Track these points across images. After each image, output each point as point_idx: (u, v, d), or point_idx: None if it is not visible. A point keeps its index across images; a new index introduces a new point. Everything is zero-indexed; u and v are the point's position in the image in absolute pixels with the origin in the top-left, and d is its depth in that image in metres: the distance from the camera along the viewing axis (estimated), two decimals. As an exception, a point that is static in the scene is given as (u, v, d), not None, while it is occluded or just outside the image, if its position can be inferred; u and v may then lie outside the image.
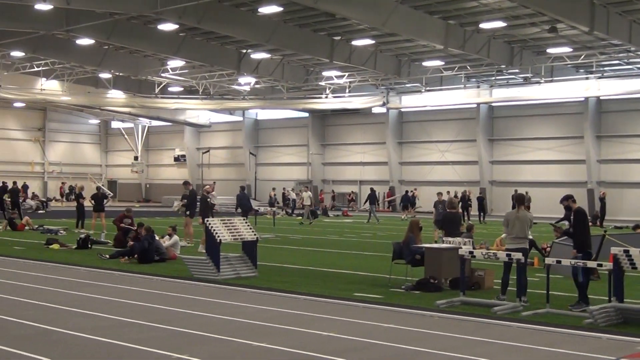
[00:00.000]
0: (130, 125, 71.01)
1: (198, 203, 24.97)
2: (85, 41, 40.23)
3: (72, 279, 15.70)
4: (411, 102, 54.15)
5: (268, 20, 36.37)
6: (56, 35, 40.00)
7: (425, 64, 44.50)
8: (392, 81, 49.87)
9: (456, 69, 44.81)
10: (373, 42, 39.91)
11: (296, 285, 14.94)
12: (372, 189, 44.58)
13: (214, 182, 49.81)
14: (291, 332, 10.47)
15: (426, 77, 46.66)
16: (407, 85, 51.49)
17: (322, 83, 50.35)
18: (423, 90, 49.69)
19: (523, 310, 12.17)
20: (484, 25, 35.19)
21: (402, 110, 56.23)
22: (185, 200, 24.66)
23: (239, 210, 30.41)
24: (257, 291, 14.23)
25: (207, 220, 16.47)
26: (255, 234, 16.93)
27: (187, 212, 24.57)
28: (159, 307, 12.31)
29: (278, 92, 53.94)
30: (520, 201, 14.00)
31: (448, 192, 38.17)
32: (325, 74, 48.48)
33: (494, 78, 48.36)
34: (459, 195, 39.67)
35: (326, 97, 51.73)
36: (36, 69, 49.08)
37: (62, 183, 66.76)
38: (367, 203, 42.24)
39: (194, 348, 9.23)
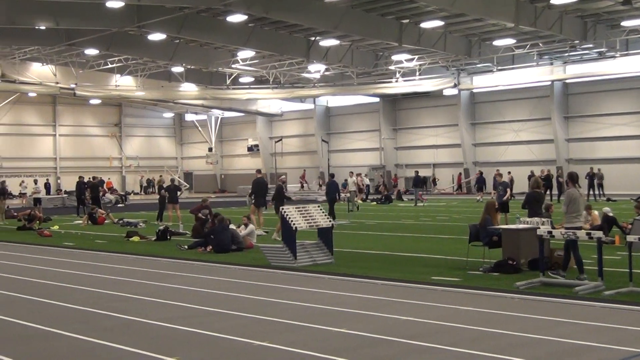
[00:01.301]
0: (203, 117, 71.85)
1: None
2: (156, 36, 40.79)
3: (153, 270, 15.99)
4: (483, 82, 53.42)
5: (335, 6, 36.28)
6: (128, 32, 40.64)
7: (496, 43, 43.80)
8: (463, 62, 49.26)
9: (528, 46, 44.02)
10: (442, 23, 39.45)
11: (373, 270, 14.93)
12: (416, 172, 44.72)
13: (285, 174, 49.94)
14: (369, 317, 10.48)
15: (497, 56, 45.96)
16: (478, 65, 50.77)
17: (392, 67, 50.07)
18: (495, 70, 48.96)
19: (605, 290, 11.92)
20: (555, 1, 34.44)
21: (474, 91, 55.55)
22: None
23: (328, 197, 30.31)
24: (334, 277, 14.27)
25: (282, 209, 16.56)
26: (330, 221, 16.98)
27: (253, 201, 24.78)
28: (238, 295, 12.45)
29: (348, 78, 53.84)
30: (575, 179, 13.82)
31: (509, 173, 37.62)
32: (395, 57, 48.16)
33: (567, 54, 47.30)
34: (534, 175, 38.98)
35: (396, 81, 51.47)
36: (110, 65, 50.03)
37: (141, 176, 68.11)
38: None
39: (274, 335, 9.31)
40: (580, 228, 13.26)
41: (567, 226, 13.36)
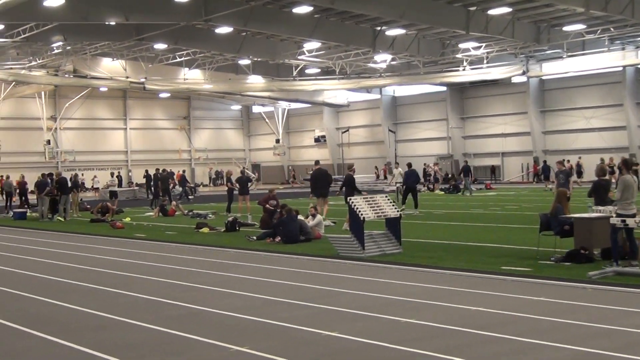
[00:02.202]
0: (270, 109, 72.25)
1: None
2: (223, 29, 41.16)
3: (222, 261, 16.15)
4: (552, 69, 52.51)
5: (401, -5, 36.11)
6: (196, 25, 41.11)
7: (565, 28, 43.01)
8: (532, 49, 48.47)
9: (599, 31, 43.09)
10: (510, 10, 38.90)
11: (442, 260, 14.82)
12: (465, 162, 44.41)
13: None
14: (439, 307, 10.40)
15: (567, 42, 45.10)
16: (548, 52, 49.93)
17: (459, 55, 49.58)
18: (564, 56, 48.09)
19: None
20: (627, -16, 33.66)
21: (543, 78, 54.68)
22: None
23: (404, 186, 30.19)
24: (402, 267, 14.21)
25: (350, 199, 16.54)
26: (398, 211, 16.91)
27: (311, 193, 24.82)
28: (307, 285, 12.49)
29: (414, 68, 53.52)
30: (630, 166, 13.54)
31: (568, 161, 36.78)
32: (462, 45, 47.69)
33: (639, 39, 46.19)
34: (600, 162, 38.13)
35: (464, 70, 50.97)
36: (178, 59, 50.72)
37: (210, 168, 68.91)
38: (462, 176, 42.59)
39: (343, 325, 9.31)
40: (634, 215, 12.94)
41: (621, 212, 13.08)
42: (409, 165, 31.76)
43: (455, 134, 60.50)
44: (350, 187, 23.04)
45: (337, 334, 8.83)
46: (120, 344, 8.77)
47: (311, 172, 25.59)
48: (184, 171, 55.22)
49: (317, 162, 27.17)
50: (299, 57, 49.94)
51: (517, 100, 56.47)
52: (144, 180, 49.60)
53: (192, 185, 56.67)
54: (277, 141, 70.41)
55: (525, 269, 13.34)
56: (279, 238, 19.06)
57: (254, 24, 39.10)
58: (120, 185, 57.91)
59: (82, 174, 61.45)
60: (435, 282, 12.45)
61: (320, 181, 25.15)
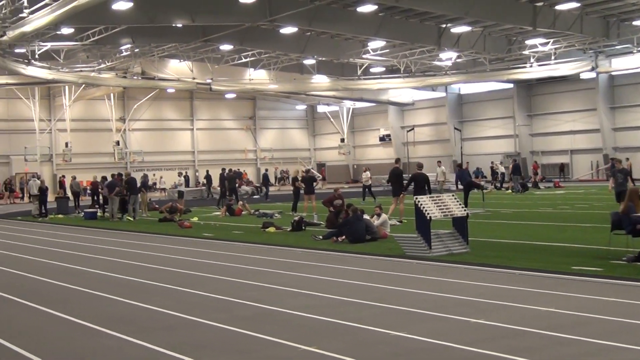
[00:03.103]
0: (335, 108, 72.36)
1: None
2: (288, 30, 41.37)
3: (289, 260, 16.23)
4: (622, 64, 51.35)
5: (467, -8, 35.82)
6: (261, 26, 41.41)
7: (635, 23, 42.10)
8: (601, 44, 47.55)
9: (671, 25, 42.10)
10: (578, 5, 38.25)
11: (510, 260, 14.64)
12: (515, 160, 43.99)
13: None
14: (508, 308, 10.28)
15: (637, 37, 44.13)
16: (617, 47, 48.90)
17: (526, 52, 48.94)
18: (635, 51, 47.00)
19: None
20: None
21: (613, 73, 53.57)
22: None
23: (459, 186, 30.11)
24: (470, 267, 14.09)
25: (417, 198, 16.46)
26: (464, 210, 16.76)
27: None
28: (373, 285, 12.46)
29: (480, 65, 52.99)
30: None
31: (627, 159, 36.02)
32: (529, 42, 47.07)
33: None
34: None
35: (531, 66, 50.24)
36: (244, 60, 51.15)
37: (275, 168, 69.35)
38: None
39: (411, 325, 9.27)
40: None
41: None
42: (459, 165, 31.55)
43: (522, 131, 59.74)
44: (419, 186, 22.92)
45: (406, 334, 8.80)
46: (192, 343, 8.89)
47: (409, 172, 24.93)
48: (266, 170, 55.35)
49: (397, 161, 26.86)
50: (364, 56, 49.93)
51: (586, 97, 55.51)
52: (208, 181, 50.22)
53: (257, 185, 57.13)
54: (342, 140, 70.47)
55: (597, 269, 13.09)
56: (345, 237, 19.06)
57: (318, 23, 39.23)
58: (187, 185, 58.70)
59: (155, 174, 62.74)
60: (504, 282, 12.31)
61: (397, 179, 24.90)
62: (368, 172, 36.22)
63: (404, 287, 12.17)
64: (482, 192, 30.69)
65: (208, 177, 50.57)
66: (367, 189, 36.78)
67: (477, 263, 14.43)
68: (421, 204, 15.96)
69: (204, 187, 52.94)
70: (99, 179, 36.66)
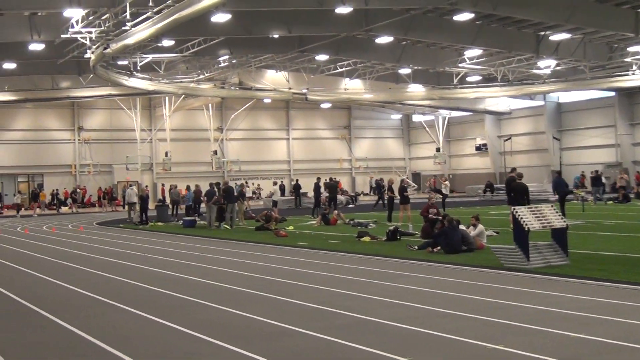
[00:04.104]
0: (430, 117, 71.95)
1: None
2: (384, 39, 41.37)
3: (384, 270, 16.17)
4: None
5: (567, -1, 35.13)
6: (356, 36, 41.52)
7: None
8: None
9: None
10: (684, 10, 37.06)
11: (613, 274, 14.21)
12: (596, 172, 42.60)
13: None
14: (610, 322, 9.98)
15: None
16: None
17: (628, 59, 47.60)
18: None
19: None
20: None
21: None
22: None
23: (556, 195, 29.49)
24: (570, 280, 13.75)
25: (515, 209, 16.19)
26: (564, 221, 16.40)
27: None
28: (470, 297, 12.32)
29: (580, 73, 51.79)
30: None
31: None
32: (631, 49, 45.77)
33: None
34: None
35: (633, 74, 48.80)
36: (339, 70, 51.36)
37: (370, 177, 69.35)
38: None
39: (508, 338, 9.12)
40: None
41: None
42: (558, 173, 30.83)
43: (624, 140, 58.09)
44: (519, 196, 22.50)
45: (503, 347, 8.66)
46: (290, 351, 8.95)
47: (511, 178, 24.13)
48: (381, 179, 55.05)
49: (512, 170, 26.00)
50: (460, 65, 49.51)
51: (692, 105, 53.67)
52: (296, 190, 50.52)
53: (352, 194, 57.26)
54: (438, 150, 69.96)
55: None
56: (440, 248, 18.91)
57: (414, 32, 39.11)
58: (282, 194, 59.26)
59: (254, 183, 63.73)
60: (606, 295, 11.97)
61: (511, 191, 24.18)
62: (447, 182, 35.64)
63: (500, 299, 11.98)
64: (582, 202, 30.00)
65: (296, 186, 50.84)
66: (443, 199, 36.20)
67: (578, 276, 14.08)
68: (519, 215, 15.70)
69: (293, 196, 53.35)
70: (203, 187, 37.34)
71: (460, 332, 9.54)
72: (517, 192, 22.95)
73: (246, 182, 62.88)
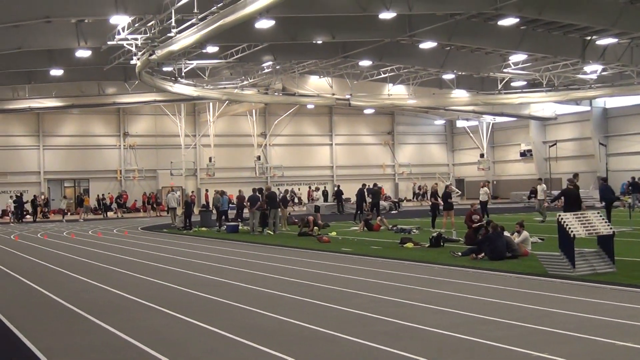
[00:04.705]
0: (474, 123, 71.49)
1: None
2: (427, 44, 41.23)
3: (427, 277, 16.10)
4: None
5: (613, 3, 34.61)
6: (400, 41, 41.42)
7: None
8: None
9: None
10: None
11: (662, 282, 14.01)
12: (632, 178, 42.21)
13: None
14: (658, 331, 9.84)
15: None
16: None
17: (677, 64, 46.85)
18: None
19: None
20: None
21: None
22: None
23: (603, 202, 29.08)
24: (616, 287, 13.56)
25: (560, 215, 16.02)
26: (610, 228, 16.17)
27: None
28: (514, 304, 12.20)
29: (627, 78, 51.06)
30: None
31: None
32: (680, 54, 45.06)
33: None
34: None
35: (682, 79, 48.04)
36: (383, 75, 51.28)
37: (413, 183, 69.13)
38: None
39: (553, 346, 9.02)
40: None
41: None
42: (604, 179, 30.37)
43: (674, 146, 57.20)
44: (570, 202, 22.19)
45: (548, 355, 8.57)
46: (330, 357, 8.96)
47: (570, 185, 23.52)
48: (447, 186, 54.39)
49: (575, 175, 25.27)
50: (504, 70, 49.12)
51: None
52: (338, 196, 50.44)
53: (395, 200, 57.09)
54: (482, 156, 69.44)
55: None
56: (484, 254, 18.76)
57: (458, 38, 38.92)
58: (325, 200, 59.31)
59: (299, 189, 63.96)
60: (653, 304, 11.79)
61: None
62: (486, 188, 35.18)
63: (545, 306, 11.85)
64: (629, 209, 29.55)
65: (338, 192, 50.78)
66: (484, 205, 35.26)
67: (625, 283, 13.88)
68: (565, 222, 15.53)
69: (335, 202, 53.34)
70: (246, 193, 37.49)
71: (504, 339, 9.46)
72: (569, 198, 22.64)
73: (292, 190, 63.40)
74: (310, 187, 64.00)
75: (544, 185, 34.97)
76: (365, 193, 37.94)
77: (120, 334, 10.60)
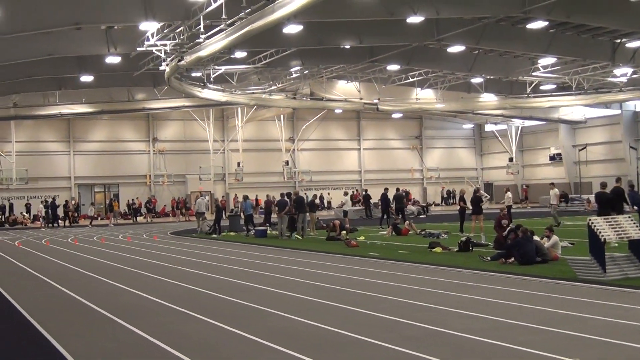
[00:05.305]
0: (503, 127, 71.16)
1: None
2: (455, 48, 41.08)
3: (456, 281, 16.04)
4: None
5: (643, 5, 34.32)
6: (428, 45, 41.32)
7: None
8: None
9: None
10: None
11: (693, 287, 13.85)
12: None
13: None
14: (690, 336, 9.73)
15: None
16: None
17: None
18: None
19: None
20: None
21: None
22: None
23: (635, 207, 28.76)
24: (648, 292, 13.46)
25: (590, 219, 15.88)
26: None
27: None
28: (544, 309, 12.12)
29: (658, 81, 50.61)
30: None
31: None
32: None
33: None
34: None
35: None
36: (411, 79, 51.16)
37: (442, 187, 68.94)
38: None
39: (583, 352, 8.96)
40: None
41: None
42: (631, 187, 30.01)
43: None
44: (603, 206, 21.95)
45: (578, 360, 8.52)
46: (357, 361, 8.97)
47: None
48: (476, 190, 54.13)
49: (618, 180, 24.86)
50: (533, 74, 48.84)
51: None
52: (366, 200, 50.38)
53: (424, 204, 56.93)
54: (511, 160, 69.11)
55: None
56: (513, 259, 18.66)
57: (486, 41, 38.74)
58: (353, 204, 59.20)
59: (330, 194, 64.09)
60: (685, 309, 11.66)
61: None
62: (509, 193, 34.86)
63: (575, 311, 11.77)
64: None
65: (366, 197, 50.73)
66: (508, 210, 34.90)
67: (657, 289, 13.75)
68: (595, 226, 15.40)
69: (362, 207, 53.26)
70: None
71: (533, 344, 9.40)
72: (601, 202, 22.42)
73: (320, 195, 63.42)
74: (354, 191, 63.86)
75: (557, 190, 34.68)
76: (390, 198, 37.86)
77: (150, 337, 10.67)
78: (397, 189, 38.34)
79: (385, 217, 37.49)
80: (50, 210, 52.39)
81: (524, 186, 69.87)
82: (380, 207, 39.81)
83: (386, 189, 39.19)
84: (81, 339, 11.01)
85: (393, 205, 36.79)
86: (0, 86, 44.93)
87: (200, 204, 39.37)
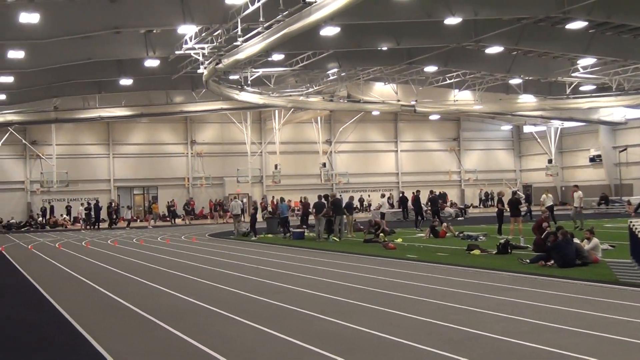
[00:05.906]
0: (542, 128, 70.53)
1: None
2: (493, 49, 40.86)
3: (494, 284, 15.94)
4: None
5: (686, 4, 33.86)
6: (466, 47, 41.14)
7: None
8: None
9: None
10: None
11: None
12: None
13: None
14: None
15: None
16: None
17: None
18: None
19: None
20: None
21: None
22: None
23: None
24: (690, 296, 13.26)
25: (631, 222, 15.70)
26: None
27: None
28: (584, 312, 12.01)
29: (701, 81, 49.85)
30: None
31: None
32: None
33: None
34: None
35: None
36: (448, 81, 51.02)
37: (480, 190, 68.50)
38: None
39: (625, 356, 8.87)
40: None
41: None
42: None
43: None
44: None
45: (619, 364, 8.42)
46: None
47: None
48: (514, 192, 53.60)
49: None
50: (573, 74, 48.39)
51: None
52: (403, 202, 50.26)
53: (461, 206, 56.63)
54: (550, 161, 68.45)
55: None
56: (553, 261, 18.48)
57: (525, 42, 38.49)
58: (391, 206, 59.11)
59: (370, 196, 64.08)
60: None
61: None
62: (580, 192, 34.26)
63: (616, 315, 11.63)
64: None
65: (403, 199, 50.58)
66: (579, 210, 34.20)
67: (699, 292, 13.55)
68: (636, 228, 15.22)
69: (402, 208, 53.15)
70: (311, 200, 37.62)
71: (573, 348, 9.32)
72: None
73: (360, 197, 63.50)
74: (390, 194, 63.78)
75: (580, 192, 34.18)
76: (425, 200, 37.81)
77: (188, 338, 10.75)
78: (431, 192, 38.20)
79: (420, 219, 37.36)
80: (92, 213, 52.94)
81: (562, 188, 69.22)
82: (414, 209, 39.76)
83: (417, 191, 39.04)
84: (121, 339, 11.13)
85: (429, 209, 36.66)
86: (41, 90, 45.57)
87: (235, 206, 39.49)
